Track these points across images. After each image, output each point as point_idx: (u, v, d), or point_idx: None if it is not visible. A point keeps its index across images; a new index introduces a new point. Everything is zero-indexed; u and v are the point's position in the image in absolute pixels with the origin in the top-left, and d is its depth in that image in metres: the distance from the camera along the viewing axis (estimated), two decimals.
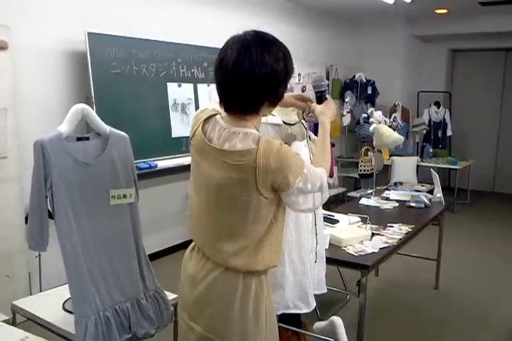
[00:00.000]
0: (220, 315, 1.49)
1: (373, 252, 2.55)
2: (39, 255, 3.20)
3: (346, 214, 3.08)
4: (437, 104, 7.39)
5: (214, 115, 1.50)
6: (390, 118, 5.96)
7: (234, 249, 1.44)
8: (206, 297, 1.51)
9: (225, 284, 1.48)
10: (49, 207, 1.84)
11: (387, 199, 3.71)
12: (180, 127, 4.39)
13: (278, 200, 1.46)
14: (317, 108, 1.75)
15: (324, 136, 1.66)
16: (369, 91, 7.07)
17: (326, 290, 2.31)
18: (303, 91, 4.12)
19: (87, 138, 1.93)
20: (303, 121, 2.05)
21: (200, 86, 4.63)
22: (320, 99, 1.76)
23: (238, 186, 1.40)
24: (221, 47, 1.45)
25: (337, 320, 2.07)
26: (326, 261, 2.33)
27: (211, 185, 1.46)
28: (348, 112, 6.76)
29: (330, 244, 2.61)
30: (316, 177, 1.47)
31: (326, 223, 2.73)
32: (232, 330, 1.48)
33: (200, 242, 1.56)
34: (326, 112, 1.73)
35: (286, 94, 1.59)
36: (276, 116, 2.02)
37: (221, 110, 1.50)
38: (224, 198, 1.45)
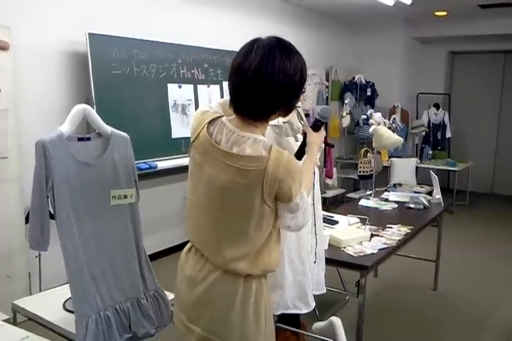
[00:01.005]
0: (220, 317, 1.49)
1: (372, 253, 2.56)
2: (39, 255, 3.20)
3: (345, 215, 3.09)
4: (436, 106, 7.40)
5: (218, 117, 1.49)
6: (389, 119, 6.00)
7: (235, 255, 1.45)
8: (206, 298, 1.50)
9: (226, 286, 1.48)
10: (50, 208, 1.85)
11: (386, 200, 3.72)
12: (180, 128, 4.40)
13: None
14: (311, 136, 1.74)
15: (309, 164, 1.67)
16: (368, 93, 7.08)
17: (325, 291, 2.32)
18: (303, 92, 4.12)
19: (89, 139, 1.94)
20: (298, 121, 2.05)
21: (200, 87, 4.64)
22: (316, 127, 1.76)
23: (243, 190, 1.41)
24: (240, 49, 1.43)
25: (336, 320, 2.08)
26: (326, 262, 2.34)
27: (214, 187, 1.45)
28: (347, 114, 6.77)
29: (329, 244, 2.62)
30: (306, 197, 1.49)
31: (325, 224, 2.74)
32: (233, 331, 1.48)
33: (199, 244, 1.55)
34: (317, 142, 1.73)
35: None
36: None
37: (223, 112, 1.50)
38: (228, 201, 1.44)
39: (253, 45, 1.40)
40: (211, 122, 1.48)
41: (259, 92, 1.37)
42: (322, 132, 1.77)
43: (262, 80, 1.36)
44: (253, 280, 1.49)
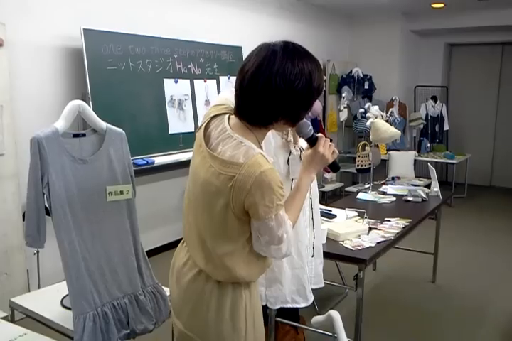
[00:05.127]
0: (197, 316, 1.45)
1: (370, 246, 2.56)
2: (37, 252, 3.20)
3: (344, 208, 3.08)
4: (434, 99, 7.38)
5: (224, 113, 1.43)
6: (387, 113, 5.98)
7: (205, 258, 1.41)
8: (186, 294, 1.48)
9: (201, 285, 1.43)
10: (46, 204, 1.84)
11: (384, 193, 3.71)
12: (177, 123, 4.38)
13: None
14: (304, 160, 1.55)
15: (299, 196, 1.49)
16: (366, 86, 7.06)
17: (323, 285, 2.31)
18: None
19: (84, 135, 1.93)
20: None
21: (196, 82, 4.62)
22: (311, 143, 1.53)
23: (215, 194, 1.33)
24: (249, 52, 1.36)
25: (335, 314, 2.07)
26: (324, 256, 2.33)
27: (197, 183, 1.41)
28: (345, 107, 6.76)
29: (327, 238, 2.62)
30: (287, 224, 1.35)
31: (323, 218, 2.74)
32: (209, 330, 1.44)
33: (185, 236, 1.53)
34: (312, 167, 1.52)
35: None
36: None
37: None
38: (204, 201, 1.39)
39: (259, 47, 1.33)
40: (215, 117, 1.44)
41: (255, 97, 1.28)
42: (319, 148, 1.50)
43: (258, 84, 1.26)
44: (228, 285, 1.42)
